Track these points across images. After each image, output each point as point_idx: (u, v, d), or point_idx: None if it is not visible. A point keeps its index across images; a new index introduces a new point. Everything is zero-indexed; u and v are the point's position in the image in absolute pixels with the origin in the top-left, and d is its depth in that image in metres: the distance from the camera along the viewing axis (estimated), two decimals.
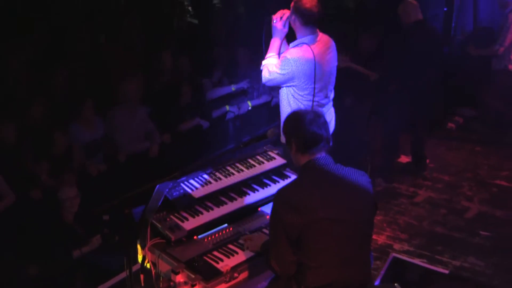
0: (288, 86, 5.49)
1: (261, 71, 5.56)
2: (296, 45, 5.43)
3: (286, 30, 5.55)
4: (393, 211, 7.19)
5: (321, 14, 5.39)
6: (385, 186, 7.86)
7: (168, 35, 10.36)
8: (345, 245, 3.71)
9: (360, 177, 3.88)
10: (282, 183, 5.06)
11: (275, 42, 5.57)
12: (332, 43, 5.64)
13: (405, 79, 7.80)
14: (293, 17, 5.40)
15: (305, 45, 5.37)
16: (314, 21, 5.43)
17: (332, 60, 5.61)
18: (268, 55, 5.56)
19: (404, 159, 8.65)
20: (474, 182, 7.95)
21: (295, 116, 4.00)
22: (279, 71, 5.35)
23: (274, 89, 7.30)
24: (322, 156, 3.84)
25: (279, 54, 5.53)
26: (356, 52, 9.03)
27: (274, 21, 5.50)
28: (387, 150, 8.41)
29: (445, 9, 9.77)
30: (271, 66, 5.42)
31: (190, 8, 14.55)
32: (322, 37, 5.54)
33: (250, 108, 8.84)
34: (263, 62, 5.55)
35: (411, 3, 7.93)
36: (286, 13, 5.48)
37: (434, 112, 8.91)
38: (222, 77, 9.18)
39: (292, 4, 5.40)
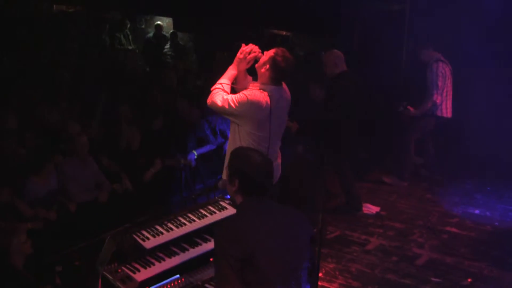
0: (238, 125, 5.47)
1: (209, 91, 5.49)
2: (260, 88, 5.41)
3: (248, 66, 5.57)
4: (345, 259, 7.19)
5: (291, 74, 5.49)
6: (339, 233, 7.92)
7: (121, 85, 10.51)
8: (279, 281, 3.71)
9: (295, 217, 3.91)
10: None
11: (232, 71, 5.55)
12: (289, 98, 5.68)
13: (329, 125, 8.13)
14: (267, 65, 5.39)
15: (266, 93, 5.36)
16: (283, 78, 5.52)
17: (285, 111, 5.67)
18: (222, 81, 5.50)
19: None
20: (425, 229, 8.04)
21: (245, 155, 3.96)
22: (233, 105, 5.29)
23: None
24: (261, 198, 3.86)
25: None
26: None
27: (241, 53, 5.49)
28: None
29: None
30: (227, 95, 5.36)
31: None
32: (284, 88, 5.59)
33: (195, 157, 8.88)
34: (216, 86, 5.47)
35: (339, 55, 8.17)
36: (256, 51, 5.50)
37: (357, 154, 9.16)
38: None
39: (272, 53, 5.41)
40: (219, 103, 5.35)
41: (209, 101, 5.44)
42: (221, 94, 5.39)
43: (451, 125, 9.52)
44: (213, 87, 5.49)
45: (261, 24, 12.53)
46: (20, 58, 11.70)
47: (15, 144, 7.86)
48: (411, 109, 9.37)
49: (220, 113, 5.58)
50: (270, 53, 5.44)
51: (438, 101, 9.14)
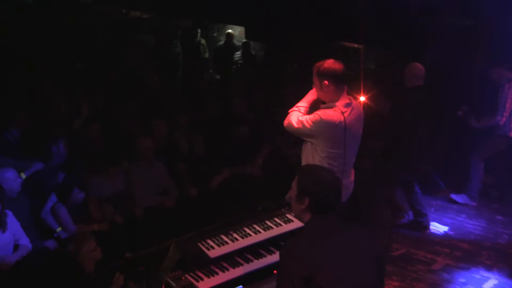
0: (312, 144, 5.41)
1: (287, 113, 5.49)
2: (330, 107, 5.33)
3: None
4: (409, 278, 7.07)
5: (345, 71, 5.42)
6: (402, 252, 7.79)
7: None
8: None
9: (364, 237, 3.84)
10: None
11: (311, 96, 5.55)
12: (361, 111, 5.58)
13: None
14: (325, 82, 5.29)
15: (339, 110, 5.29)
16: (344, 78, 5.39)
17: (359, 128, 5.56)
18: (300, 103, 5.50)
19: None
20: (494, 252, 7.83)
21: (316, 174, 3.88)
22: (307, 126, 5.25)
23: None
24: (329, 217, 3.80)
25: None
26: None
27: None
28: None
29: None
30: (302, 116, 5.34)
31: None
32: (355, 104, 5.48)
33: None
34: (293, 109, 5.48)
35: (415, 69, 8.25)
36: None
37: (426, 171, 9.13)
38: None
39: (316, 71, 5.33)
40: (295, 124, 5.34)
41: (285, 122, 5.45)
42: (296, 116, 5.38)
43: None
44: (291, 109, 5.50)
45: (332, 36, 12.46)
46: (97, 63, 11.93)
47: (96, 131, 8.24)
48: (473, 119, 9.19)
49: (296, 134, 5.51)
50: (314, 73, 5.38)
51: (501, 122, 8.91)
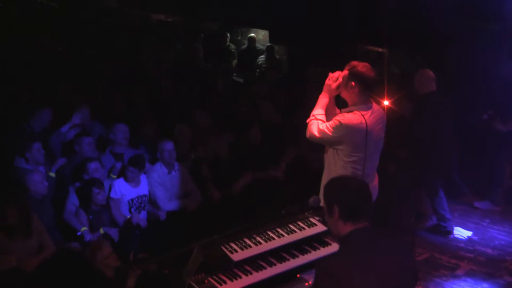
0: (334, 149, 5.42)
1: (306, 124, 5.48)
2: (351, 111, 5.33)
3: (338, 92, 5.47)
4: (433, 283, 7.04)
5: (377, 80, 5.41)
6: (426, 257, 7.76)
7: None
8: None
9: (400, 250, 3.81)
10: (323, 250, 5.03)
11: (324, 99, 5.50)
12: (383, 114, 5.55)
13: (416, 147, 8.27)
14: (352, 83, 5.28)
15: (359, 113, 5.28)
16: (373, 87, 5.42)
17: (381, 131, 5.54)
18: (316, 111, 5.46)
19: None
20: None
21: (340, 182, 3.88)
22: (329, 133, 5.26)
23: None
24: (364, 226, 3.73)
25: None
26: None
27: (329, 79, 5.42)
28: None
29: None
30: (322, 124, 5.33)
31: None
32: (375, 107, 5.46)
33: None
34: (310, 118, 5.46)
35: (428, 75, 8.24)
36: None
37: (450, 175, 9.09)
38: None
39: (348, 70, 5.32)
40: (316, 133, 5.35)
41: (307, 134, 5.45)
42: (316, 125, 5.38)
43: None
44: (308, 119, 5.49)
45: (357, 40, 12.42)
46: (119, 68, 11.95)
47: None
48: (499, 123, 9.12)
49: (320, 143, 5.54)
50: (346, 70, 5.36)
51: None
